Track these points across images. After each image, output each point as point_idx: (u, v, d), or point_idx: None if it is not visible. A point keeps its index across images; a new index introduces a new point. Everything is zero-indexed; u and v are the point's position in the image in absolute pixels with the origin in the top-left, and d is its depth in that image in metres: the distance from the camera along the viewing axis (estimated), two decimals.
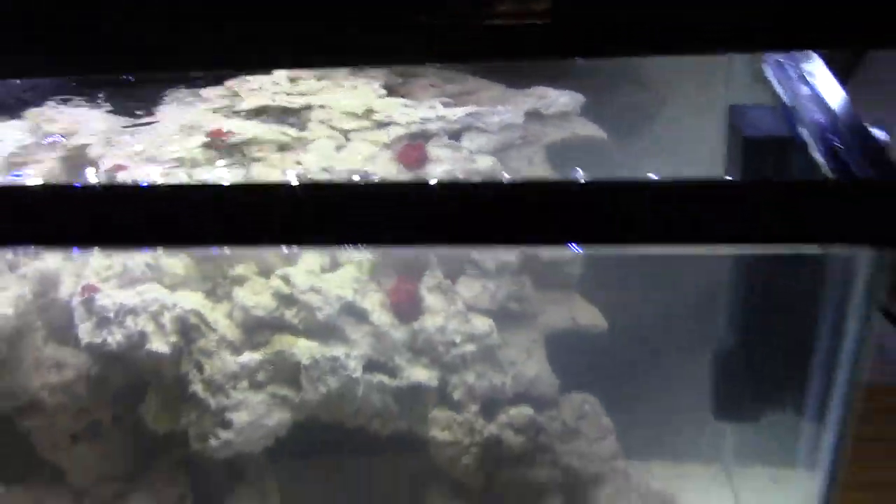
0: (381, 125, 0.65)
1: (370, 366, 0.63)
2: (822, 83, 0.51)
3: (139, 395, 0.64)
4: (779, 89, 0.52)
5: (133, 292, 0.60)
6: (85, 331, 0.61)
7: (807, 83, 0.51)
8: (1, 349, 0.62)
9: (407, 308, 0.64)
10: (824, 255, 0.45)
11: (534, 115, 0.68)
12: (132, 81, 0.68)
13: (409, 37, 0.43)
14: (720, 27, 0.39)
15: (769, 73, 0.55)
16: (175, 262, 0.61)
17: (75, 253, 0.62)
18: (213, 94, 0.67)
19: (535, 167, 0.67)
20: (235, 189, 0.50)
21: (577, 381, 0.70)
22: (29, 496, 0.69)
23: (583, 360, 0.70)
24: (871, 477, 0.88)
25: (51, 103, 0.68)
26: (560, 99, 0.69)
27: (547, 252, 0.67)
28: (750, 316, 0.52)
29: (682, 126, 0.66)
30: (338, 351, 0.61)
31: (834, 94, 0.49)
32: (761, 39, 0.40)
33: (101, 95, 0.69)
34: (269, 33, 0.44)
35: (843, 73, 0.86)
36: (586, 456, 0.68)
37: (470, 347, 0.65)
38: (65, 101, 0.68)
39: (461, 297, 0.65)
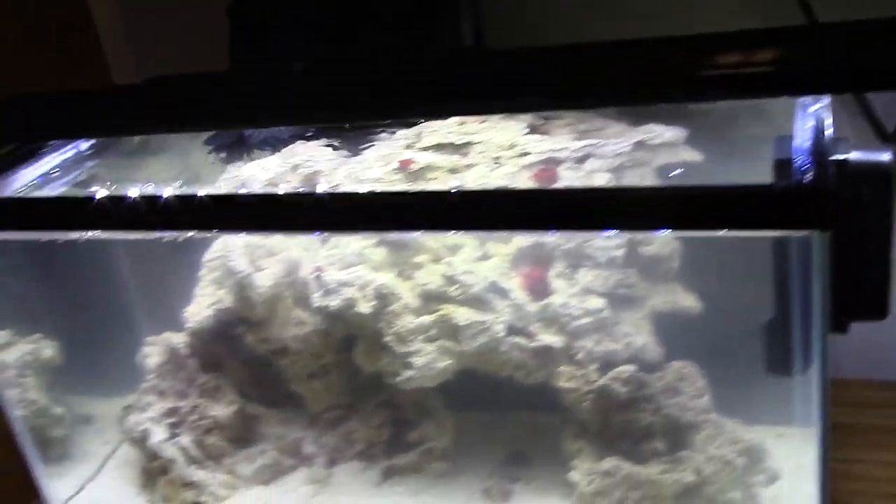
0: (522, 154, 0.87)
1: (511, 330, 0.86)
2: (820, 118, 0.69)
3: (352, 345, 0.91)
4: (794, 123, 0.71)
5: (347, 272, 0.87)
6: (315, 298, 0.89)
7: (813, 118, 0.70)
8: (264, 309, 0.92)
9: (538, 289, 0.87)
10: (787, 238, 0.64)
11: (641, 145, 0.87)
12: (351, 128, 0.94)
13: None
14: None
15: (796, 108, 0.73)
16: (375, 251, 0.88)
17: (307, 240, 0.89)
18: (403, 135, 0.90)
19: (645, 182, 0.86)
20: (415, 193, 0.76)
21: (678, 352, 0.89)
22: (281, 416, 0.98)
23: (683, 336, 0.89)
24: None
25: (297, 142, 0.94)
26: (665, 133, 0.88)
27: (650, 249, 0.88)
28: (773, 288, 0.70)
29: (763, 152, 0.81)
30: (486, 317, 0.85)
31: (824, 127, 0.67)
32: None
33: (330, 137, 0.95)
34: None
35: None
36: (685, 408, 0.87)
37: (587, 320, 0.86)
38: (306, 141, 0.94)
39: (579, 282, 0.87)
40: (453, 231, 0.84)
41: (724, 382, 0.88)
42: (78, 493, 1.01)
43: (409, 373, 0.86)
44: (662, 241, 0.87)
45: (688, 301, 0.89)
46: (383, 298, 0.86)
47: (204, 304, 0.95)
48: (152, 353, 0.99)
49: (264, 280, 0.91)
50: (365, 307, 0.86)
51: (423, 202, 0.73)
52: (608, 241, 0.87)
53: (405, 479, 0.93)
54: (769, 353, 0.75)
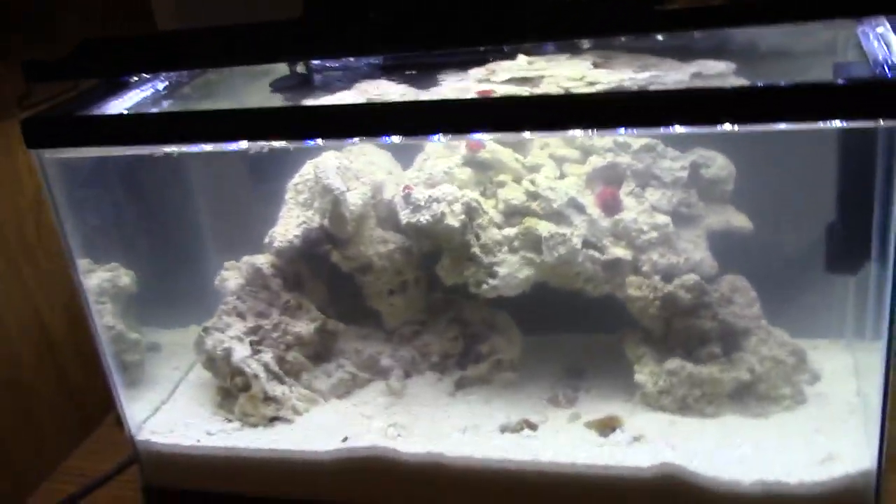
0: (591, 84, 0.95)
1: (586, 244, 0.94)
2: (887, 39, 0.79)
3: (434, 261, 0.98)
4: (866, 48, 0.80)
5: (435, 189, 0.94)
6: (404, 215, 0.96)
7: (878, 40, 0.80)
8: (353, 226, 0.98)
9: (611, 205, 0.95)
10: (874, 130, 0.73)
11: (697, 76, 0.95)
12: (416, 64, 1.01)
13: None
14: None
15: (861, 38, 0.83)
16: (460, 171, 0.95)
17: (390, 164, 0.94)
18: (475, 72, 0.97)
19: None
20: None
21: (731, 266, 0.98)
22: (358, 332, 1.04)
23: (735, 252, 0.98)
24: None
25: (365, 81, 0.98)
26: (718, 65, 0.96)
27: (710, 171, 0.97)
28: (838, 187, 0.79)
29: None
30: (565, 230, 0.93)
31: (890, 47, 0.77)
32: None
33: (395, 76, 1.01)
34: None
35: None
36: (738, 315, 0.96)
37: (653, 234, 0.94)
38: (373, 80, 0.97)
39: (647, 200, 0.95)
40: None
41: (764, 299, 0.97)
42: (154, 414, 1.05)
43: (493, 282, 0.93)
44: (721, 164, 0.97)
45: (739, 221, 0.98)
46: (471, 212, 0.93)
47: (290, 224, 1.01)
48: (230, 276, 1.04)
49: (355, 199, 0.97)
50: (454, 220, 0.93)
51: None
52: (674, 163, 0.96)
53: (476, 389, 1.00)
54: (833, 253, 0.83)
